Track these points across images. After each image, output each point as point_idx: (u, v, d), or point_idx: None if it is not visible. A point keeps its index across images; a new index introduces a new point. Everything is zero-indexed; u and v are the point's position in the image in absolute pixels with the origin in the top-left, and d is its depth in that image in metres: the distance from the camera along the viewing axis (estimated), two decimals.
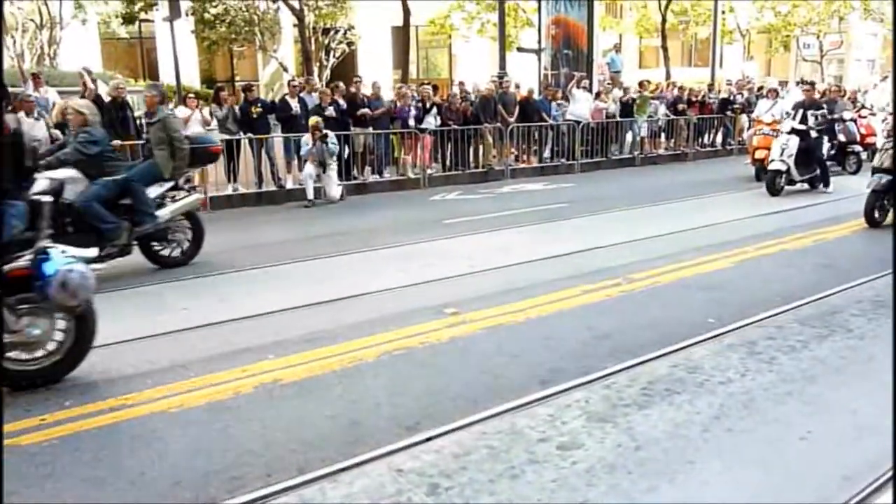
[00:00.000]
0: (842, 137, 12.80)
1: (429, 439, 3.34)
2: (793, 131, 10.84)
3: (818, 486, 3.01)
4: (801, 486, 3.00)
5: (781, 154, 10.73)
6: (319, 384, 4.05)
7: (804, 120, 10.92)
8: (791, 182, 10.85)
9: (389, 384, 4.05)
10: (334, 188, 11.04)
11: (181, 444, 3.40)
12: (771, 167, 10.79)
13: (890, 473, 3.00)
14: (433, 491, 2.94)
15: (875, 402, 3.72)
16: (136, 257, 6.89)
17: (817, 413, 3.64)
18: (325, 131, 10.80)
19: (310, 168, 10.76)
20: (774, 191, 10.72)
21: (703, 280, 6.13)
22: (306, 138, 10.78)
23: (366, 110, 12.08)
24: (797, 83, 23.33)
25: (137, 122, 11.04)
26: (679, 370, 4.14)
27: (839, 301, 5.43)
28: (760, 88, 18.79)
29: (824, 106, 11.90)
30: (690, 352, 4.42)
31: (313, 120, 10.84)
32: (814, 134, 10.86)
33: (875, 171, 8.12)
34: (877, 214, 8.09)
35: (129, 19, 19.94)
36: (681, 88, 17.32)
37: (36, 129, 9.44)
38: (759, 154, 11.88)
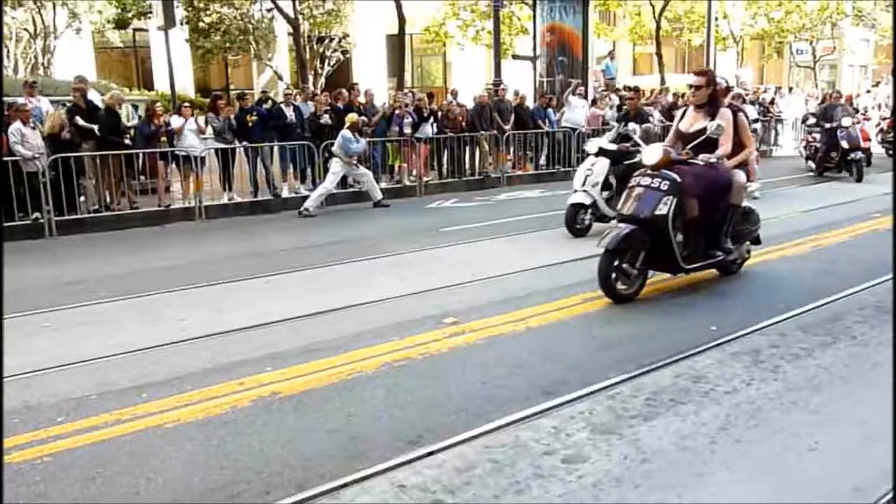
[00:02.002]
0: (844, 144, 12.49)
1: (431, 453, 3.26)
2: (601, 152, 8.30)
3: (829, 497, 2.94)
4: (812, 498, 2.93)
5: (584, 182, 8.16)
6: (318, 397, 3.97)
7: (625, 137, 8.06)
8: (602, 219, 8.21)
9: (389, 396, 3.97)
10: (377, 190, 11.17)
11: (177, 460, 3.31)
12: (571, 200, 8.24)
13: None
14: None
15: (882, 410, 3.65)
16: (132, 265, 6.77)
17: (825, 423, 3.57)
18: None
19: (333, 177, 10.72)
20: (576, 231, 8.11)
21: (704, 287, 6.08)
22: (348, 134, 10.64)
23: (363, 118, 12.06)
24: (790, 89, 23.44)
25: (131, 132, 11.01)
26: (683, 380, 4.07)
27: (841, 307, 5.38)
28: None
29: (651, 118, 9.43)
30: (694, 361, 4.36)
31: (354, 117, 10.84)
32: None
33: (621, 218, 5.67)
34: (620, 284, 5.49)
35: (121, 24, 19.91)
36: (675, 95, 17.36)
37: (32, 138, 9.39)
38: None
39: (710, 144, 5.69)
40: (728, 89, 6.47)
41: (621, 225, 5.58)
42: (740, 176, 5.97)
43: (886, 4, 25.83)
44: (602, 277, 5.41)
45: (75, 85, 10.41)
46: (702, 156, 5.64)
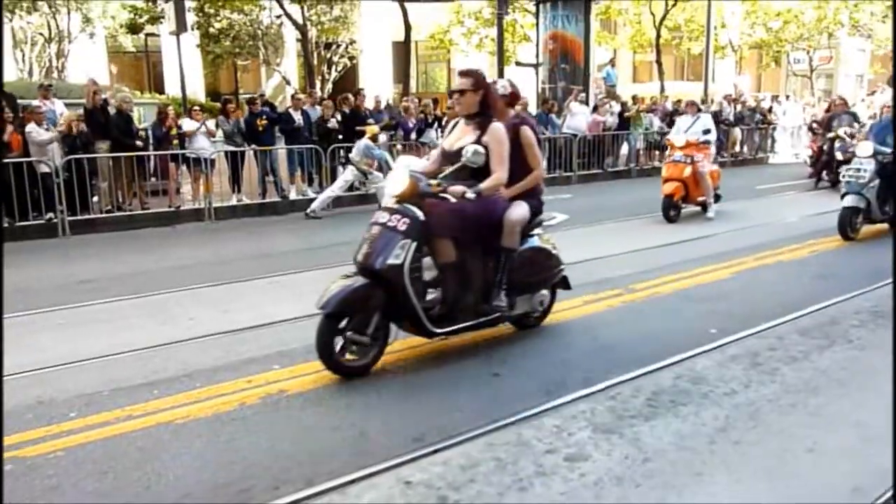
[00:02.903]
0: (839, 156, 11.84)
1: (436, 451, 3.26)
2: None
3: (828, 498, 2.94)
4: (810, 499, 2.93)
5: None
6: (325, 395, 3.97)
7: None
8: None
9: (395, 395, 3.97)
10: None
11: (187, 456, 3.31)
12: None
13: None
14: None
15: (879, 413, 3.64)
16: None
17: (822, 424, 3.56)
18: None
19: (344, 183, 10.78)
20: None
21: (703, 291, 6.06)
22: (370, 143, 10.66)
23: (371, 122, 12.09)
24: (787, 97, 23.40)
25: (144, 133, 11.06)
26: (683, 381, 4.06)
27: (838, 312, 5.37)
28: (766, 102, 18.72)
29: None
30: (694, 362, 4.35)
31: (375, 129, 10.92)
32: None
33: (358, 268, 4.21)
34: (346, 354, 4.14)
35: (133, 29, 19.95)
36: (678, 102, 17.38)
37: (45, 139, 9.45)
38: (668, 188, 9.48)
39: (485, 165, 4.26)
40: (515, 96, 4.81)
41: (356, 278, 4.17)
42: (516, 211, 4.46)
43: (883, 15, 25.78)
44: (320, 347, 3.99)
45: (93, 88, 10.43)
46: (453, 188, 4.18)
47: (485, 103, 4.38)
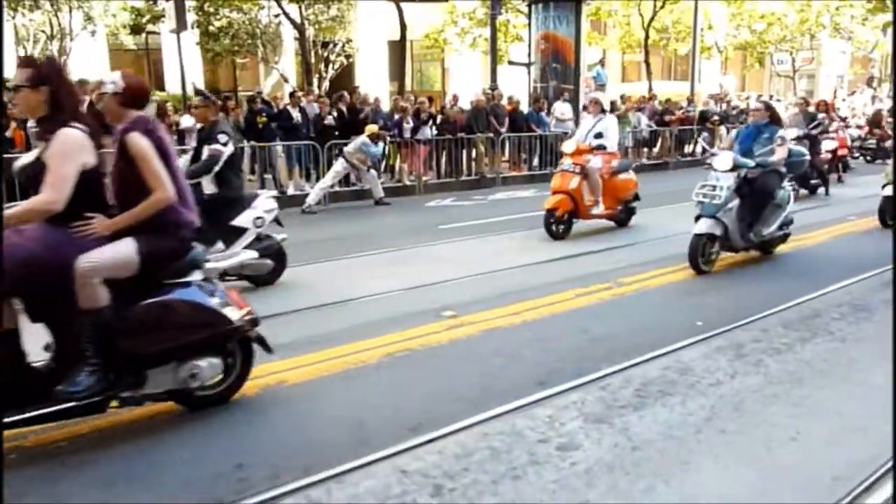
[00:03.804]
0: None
1: (432, 441, 3.26)
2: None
3: (810, 486, 2.95)
4: (793, 487, 2.94)
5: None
6: (323, 386, 3.96)
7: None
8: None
9: (392, 386, 3.96)
10: (379, 188, 11.18)
11: (189, 445, 3.30)
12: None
13: (882, 471, 2.95)
14: (438, 492, 2.86)
15: (859, 403, 3.68)
16: None
17: (805, 414, 3.58)
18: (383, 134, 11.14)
19: (335, 174, 10.76)
20: None
21: (689, 285, 6.08)
22: (367, 141, 10.65)
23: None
24: (770, 97, 23.46)
25: None
26: (671, 372, 4.07)
27: (820, 305, 5.39)
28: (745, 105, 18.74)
29: (227, 136, 5.92)
30: (680, 354, 4.36)
31: (374, 128, 10.92)
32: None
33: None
34: None
35: (136, 30, 19.80)
36: (668, 101, 17.40)
37: None
38: (551, 201, 7.89)
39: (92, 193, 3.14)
40: (135, 92, 3.35)
41: None
42: (96, 254, 3.09)
43: (863, 18, 25.87)
44: None
45: (92, 87, 10.36)
46: None
47: (55, 104, 3.09)
